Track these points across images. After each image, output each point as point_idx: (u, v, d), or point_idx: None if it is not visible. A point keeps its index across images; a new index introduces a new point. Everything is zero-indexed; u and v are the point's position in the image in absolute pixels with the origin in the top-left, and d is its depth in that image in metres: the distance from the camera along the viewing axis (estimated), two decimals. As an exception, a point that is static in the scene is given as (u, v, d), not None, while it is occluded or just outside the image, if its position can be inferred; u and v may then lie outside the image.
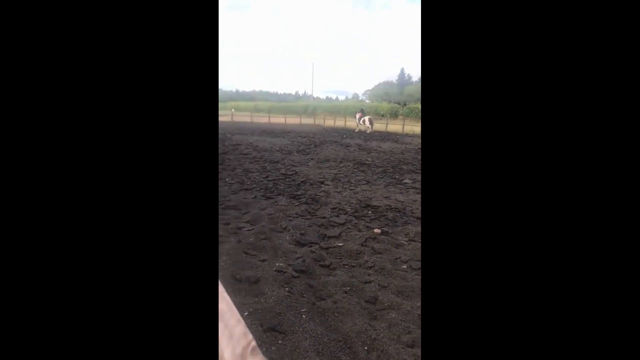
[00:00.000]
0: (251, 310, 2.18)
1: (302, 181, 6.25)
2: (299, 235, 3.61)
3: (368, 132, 19.01)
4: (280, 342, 1.93)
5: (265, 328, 2.01)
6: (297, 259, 3.05)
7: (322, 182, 6.21)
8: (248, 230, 3.69)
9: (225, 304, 0.54)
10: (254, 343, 0.47)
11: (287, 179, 6.35)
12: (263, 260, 2.97)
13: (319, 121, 30.18)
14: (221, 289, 0.58)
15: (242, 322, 0.51)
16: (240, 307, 2.20)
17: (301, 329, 2.03)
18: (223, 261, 2.85)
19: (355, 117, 21.58)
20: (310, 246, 3.37)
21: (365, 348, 1.92)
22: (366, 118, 19.53)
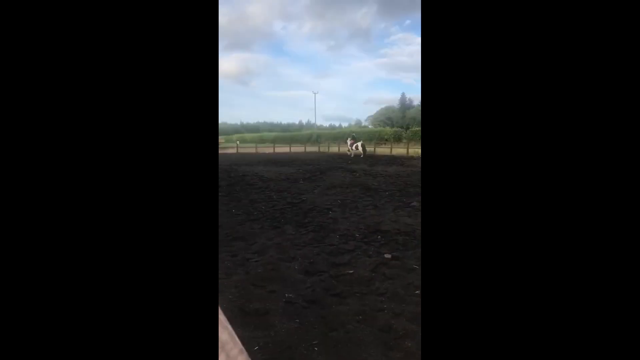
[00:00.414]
0: (261, 344, 2.11)
1: (309, 209, 6.23)
2: (307, 264, 3.55)
3: (361, 156, 20.23)
4: (292, 377, 1.84)
5: (276, 363, 1.94)
6: (307, 288, 2.98)
7: (329, 209, 6.18)
8: (256, 261, 3.64)
9: (227, 334, 0.52)
10: None
11: (294, 208, 6.34)
12: (272, 292, 2.90)
13: (324, 148, 30.52)
14: (223, 318, 0.56)
15: (245, 353, 0.49)
16: (249, 341, 2.13)
17: (314, 363, 1.95)
18: (231, 294, 2.80)
19: (347, 143, 22.57)
20: (320, 275, 3.30)
21: (382, 381, 1.82)
22: (358, 143, 20.92)
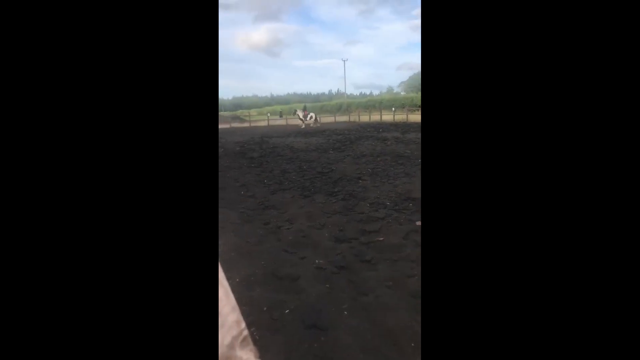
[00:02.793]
0: (292, 307, 2.17)
1: (339, 178, 6.20)
2: (337, 232, 3.57)
3: (313, 125, 21.78)
4: (322, 339, 1.89)
5: (306, 325, 1.99)
6: (337, 255, 3.01)
7: (359, 178, 6.11)
8: (287, 229, 3.71)
9: (223, 291, 0.51)
10: (246, 332, 0.43)
11: (324, 177, 6.33)
12: (303, 258, 2.96)
13: (354, 118, 29.94)
14: (221, 276, 0.55)
15: (237, 310, 0.48)
16: (281, 305, 2.20)
17: (343, 325, 1.99)
18: (264, 259, 2.89)
19: (298, 115, 22.96)
20: (350, 242, 3.31)
21: (412, 344, 1.83)
22: (313, 114, 22.47)
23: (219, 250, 3.08)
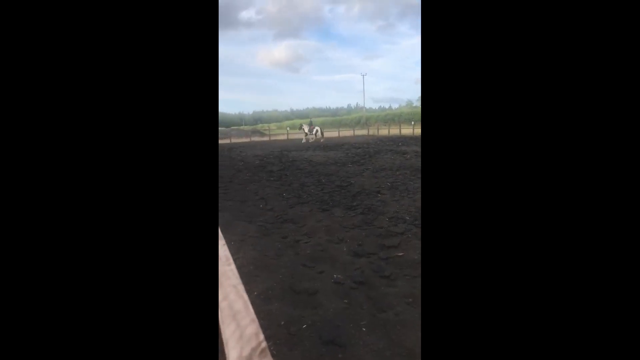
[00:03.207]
0: (309, 322, 2.16)
1: (358, 192, 6.18)
2: (356, 246, 3.54)
3: (321, 140, 21.31)
4: (340, 355, 1.86)
5: (323, 341, 1.97)
6: (356, 270, 2.98)
7: (378, 192, 6.07)
8: (305, 242, 3.71)
9: (242, 303, 0.52)
10: (264, 344, 0.44)
11: (342, 191, 6.32)
12: (321, 272, 2.94)
13: (373, 131, 29.93)
14: (241, 288, 0.56)
15: (256, 322, 0.49)
16: (298, 320, 2.18)
17: (362, 342, 1.95)
18: (281, 274, 2.89)
19: (303, 129, 22.54)
20: (369, 257, 3.27)
21: (433, 364, 1.77)
22: (318, 128, 22.16)
23: (238, 263, 3.10)
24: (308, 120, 24.60)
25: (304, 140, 21.86)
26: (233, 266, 0.80)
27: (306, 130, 22.42)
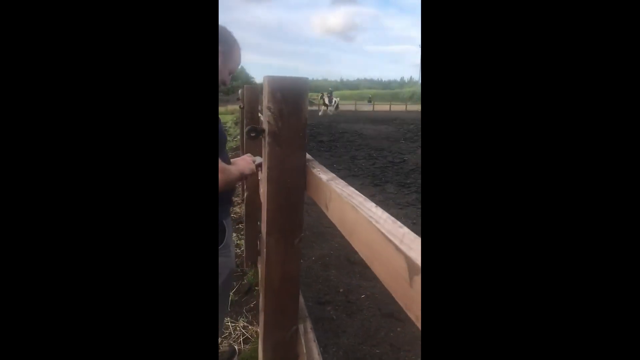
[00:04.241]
0: (368, 293, 2.18)
1: (411, 169, 6.01)
2: (411, 224, 3.48)
3: (333, 112, 19.40)
4: (399, 329, 1.88)
5: (383, 313, 1.99)
6: (411, 248, 2.94)
7: (433, 171, 5.85)
8: (359, 215, 3.72)
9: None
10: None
11: (395, 167, 6.18)
12: (376, 246, 2.95)
13: (426, 108, 28.54)
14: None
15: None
16: (357, 289, 2.22)
17: (420, 320, 1.95)
18: (336, 242, 2.93)
19: (324, 99, 20.17)
20: (424, 236, 3.20)
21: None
22: (337, 99, 20.21)
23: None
24: (328, 90, 22.19)
25: (320, 113, 19.69)
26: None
27: (326, 101, 20.26)
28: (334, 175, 0.71)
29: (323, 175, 0.71)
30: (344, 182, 0.68)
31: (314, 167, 0.78)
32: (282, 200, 0.83)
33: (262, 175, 0.90)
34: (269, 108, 0.77)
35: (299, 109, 0.79)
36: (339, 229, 0.62)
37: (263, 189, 0.88)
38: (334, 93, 23.47)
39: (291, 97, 0.77)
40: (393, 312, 1.98)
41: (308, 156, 0.85)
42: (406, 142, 9.26)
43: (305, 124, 0.81)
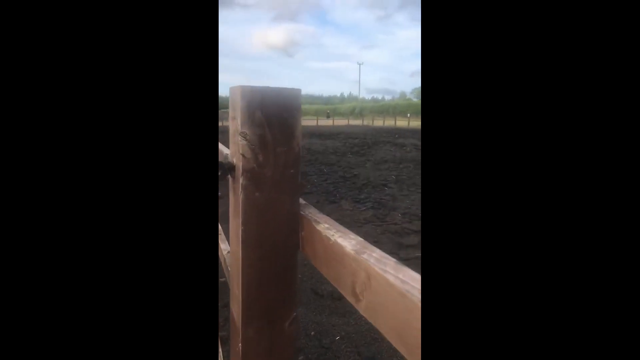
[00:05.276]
0: (343, 333, 1.93)
1: (363, 184, 5.96)
2: (372, 243, 3.32)
3: None
4: (382, 375, 1.65)
5: (363, 357, 1.74)
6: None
7: (385, 185, 5.86)
8: (318, 237, 3.48)
9: None
10: None
11: (347, 182, 6.10)
12: (342, 273, 2.72)
13: (368, 122, 29.67)
14: None
15: None
16: (330, 330, 1.95)
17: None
18: (302, 273, 2.65)
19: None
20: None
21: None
22: None
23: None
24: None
25: None
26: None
27: None
28: (360, 239, 0.46)
29: (341, 239, 0.46)
30: (380, 251, 0.43)
31: (316, 221, 0.52)
32: (266, 268, 0.56)
33: (232, 234, 0.61)
34: (243, 135, 0.50)
35: (291, 135, 0.53)
36: (394, 346, 0.37)
37: (234, 255, 0.59)
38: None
39: (278, 117, 0.51)
40: (374, 354, 1.75)
41: (301, 201, 0.59)
42: (354, 156, 9.33)
43: (299, 156, 0.55)
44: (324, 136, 15.86)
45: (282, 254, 0.57)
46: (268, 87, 0.51)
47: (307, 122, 29.87)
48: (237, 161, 0.53)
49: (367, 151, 10.36)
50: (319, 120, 29.61)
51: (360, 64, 47.98)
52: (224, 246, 1.21)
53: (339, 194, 5.25)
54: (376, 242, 3.38)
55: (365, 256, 0.42)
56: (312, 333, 1.93)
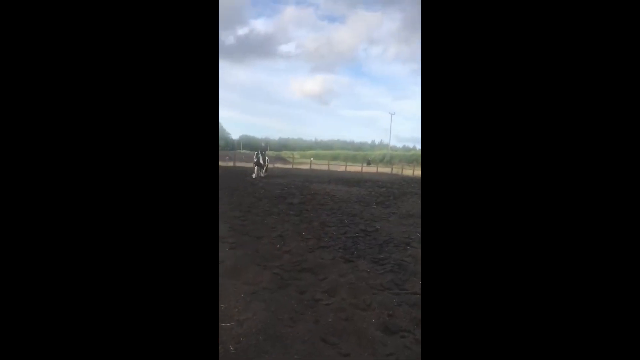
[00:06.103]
0: None
1: (385, 241, 5.60)
2: (386, 318, 2.95)
3: (263, 174, 15.53)
4: None
5: None
6: (388, 356, 2.39)
7: (408, 244, 5.47)
8: (326, 304, 3.15)
9: None
10: None
11: (368, 237, 5.76)
12: (346, 355, 2.36)
13: (397, 170, 29.37)
14: None
15: None
16: None
17: None
18: (297, 350, 2.33)
19: (259, 158, 14.94)
20: (403, 336, 2.67)
21: None
22: (267, 158, 15.87)
23: (245, 327, 2.57)
24: (261, 146, 15.97)
25: (254, 175, 14.73)
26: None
27: (260, 160, 14.93)
28: None
29: None
30: None
31: None
32: None
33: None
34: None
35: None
36: None
37: None
38: (310, 153, 23.40)
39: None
40: None
41: None
42: (378, 207, 9.01)
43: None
44: (351, 183, 15.70)
45: None
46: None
47: (335, 167, 30.05)
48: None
49: (393, 202, 10.01)
50: (347, 167, 29.76)
51: (392, 114, 48.85)
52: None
53: (357, 251, 4.92)
54: (391, 316, 3.01)
55: None
56: None
